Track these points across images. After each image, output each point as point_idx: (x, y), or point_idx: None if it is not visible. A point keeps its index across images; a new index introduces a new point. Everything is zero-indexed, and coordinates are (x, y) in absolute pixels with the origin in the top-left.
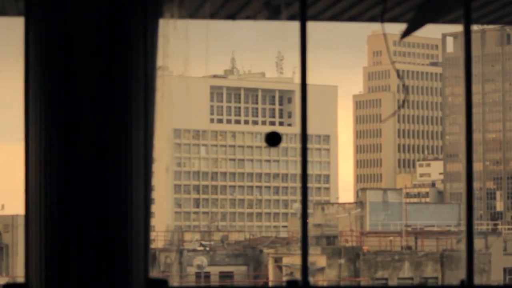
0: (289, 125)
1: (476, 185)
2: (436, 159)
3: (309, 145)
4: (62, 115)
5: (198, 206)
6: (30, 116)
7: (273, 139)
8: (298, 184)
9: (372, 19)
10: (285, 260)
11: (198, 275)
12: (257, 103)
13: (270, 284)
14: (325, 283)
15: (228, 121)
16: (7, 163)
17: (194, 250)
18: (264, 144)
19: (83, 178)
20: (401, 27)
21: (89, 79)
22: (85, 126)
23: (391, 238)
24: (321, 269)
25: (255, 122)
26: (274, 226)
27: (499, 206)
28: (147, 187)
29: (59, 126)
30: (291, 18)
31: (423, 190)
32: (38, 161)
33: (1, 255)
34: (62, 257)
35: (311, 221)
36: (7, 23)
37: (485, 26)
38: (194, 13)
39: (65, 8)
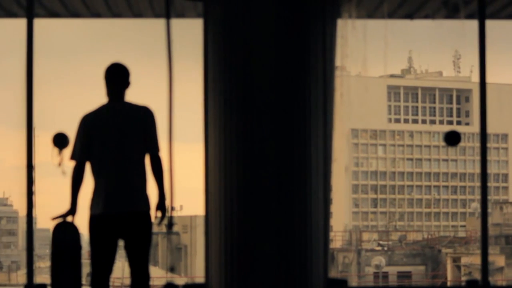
0: (467, 124)
1: None
2: None
3: (487, 144)
4: (241, 116)
5: (375, 206)
6: (209, 116)
7: (452, 138)
8: (476, 184)
9: None
10: (464, 260)
11: (376, 275)
12: (434, 102)
13: (448, 284)
14: (504, 283)
15: (406, 121)
16: (186, 163)
17: (372, 250)
18: (442, 143)
19: (262, 178)
20: None
21: (267, 80)
22: (264, 126)
23: None
24: (500, 269)
25: (432, 122)
26: (452, 226)
27: None
28: (326, 187)
29: (238, 126)
30: (469, 16)
31: None
32: (217, 161)
33: (180, 255)
34: (242, 257)
35: (489, 220)
36: (186, 24)
37: None
38: (372, 13)
39: (243, 9)
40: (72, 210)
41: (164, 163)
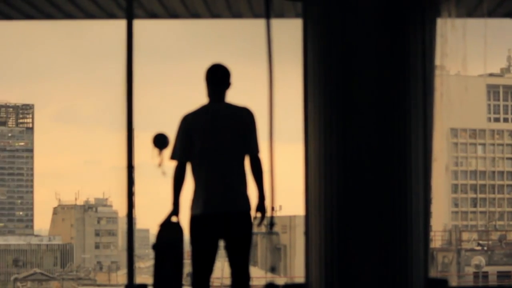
0: None
1: None
2: None
3: None
4: (341, 116)
5: (475, 206)
6: (309, 116)
7: None
8: None
9: None
10: None
11: (476, 275)
12: None
13: None
14: None
15: (505, 120)
16: (286, 163)
17: (472, 250)
18: None
19: (363, 179)
20: None
21: (367, 79)
22: (364, 126)
23: None
24: None
25: None
26: None
27: None
28: (426, 187)
29: (338, 126)
30: None
31: None
32: (317, 161)
33: (279, 255)
34: (342, 257)
35: None
36: (285, 25)
37: None
38: (471, 12)
39: (343, 9)
40: (175, 211)
41: (264, 164)
